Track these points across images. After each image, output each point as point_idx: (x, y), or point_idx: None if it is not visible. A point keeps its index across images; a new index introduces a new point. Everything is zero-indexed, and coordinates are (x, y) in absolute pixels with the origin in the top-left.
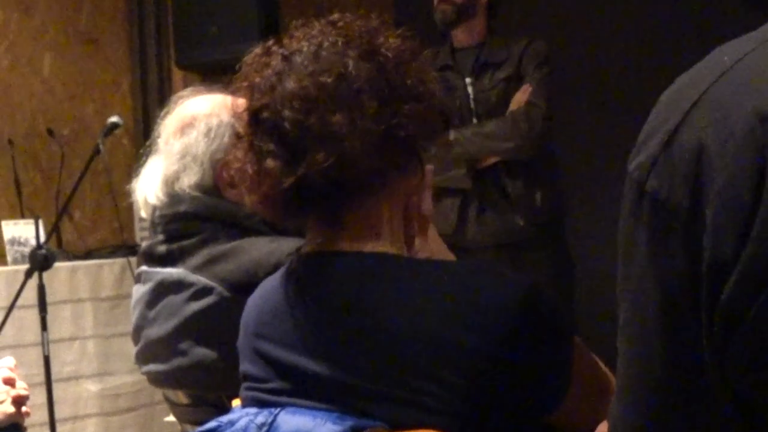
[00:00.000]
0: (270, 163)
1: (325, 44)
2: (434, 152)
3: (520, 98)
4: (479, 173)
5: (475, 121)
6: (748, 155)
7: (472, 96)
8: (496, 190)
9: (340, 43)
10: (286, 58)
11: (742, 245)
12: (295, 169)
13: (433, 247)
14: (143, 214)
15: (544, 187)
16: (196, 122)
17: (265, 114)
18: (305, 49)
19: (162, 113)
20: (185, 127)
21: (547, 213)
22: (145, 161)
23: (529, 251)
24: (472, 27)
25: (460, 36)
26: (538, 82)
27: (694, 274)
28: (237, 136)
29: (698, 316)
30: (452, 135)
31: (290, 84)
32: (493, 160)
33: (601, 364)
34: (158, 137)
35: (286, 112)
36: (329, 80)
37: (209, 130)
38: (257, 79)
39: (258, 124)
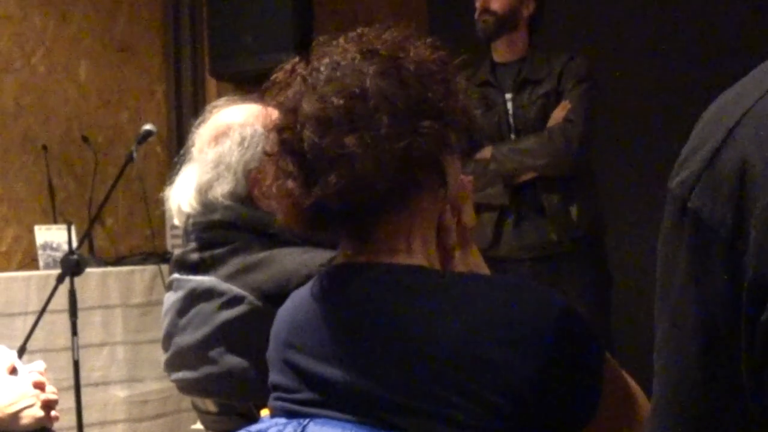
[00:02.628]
0: (290, 184)
1: (343, 63)
2: (470, 169)
3: (558, 115)
4: (516, 188)
5: (513, 137)
6: None
7: (511, 112)
8: (532, 205)
9: (358, 60)
10: (305, 79)
11: None
12: (311, 191)
13: (470, 260)
14: (177, 222)
15: (581, 202)
16: (231, 131)
17: (286, 135)
18: (323, 68)
19: (197, 122)
20: (219, 136)
21: (583, 227)
22: (179, 170)
23: (566, 265)
24: (513, 40)
25: (501, 49)
26: (576, 98)
27: (735, 293)
28: (265, 153)
29: (737, 337)
30: (489, 151)
31: (308, 106)
32: (529, 175)
33: (631, 381)
34: (192, 146)
35: (305, 133)
36: (342, 101)
37: (243, 139)
38: (281, 99)
39: (281, 144)
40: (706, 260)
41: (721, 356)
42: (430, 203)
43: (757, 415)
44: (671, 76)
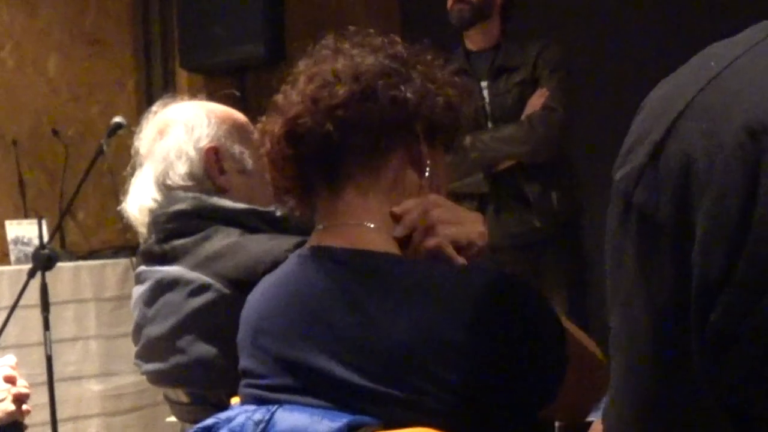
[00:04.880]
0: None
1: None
2: (450, 158)
3: (535, 102)
4: (496, 176)
5: (490, 125)
6: (738, 171)
7: (487, 100)
8: (512, 193)
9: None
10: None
11: (733, 263)
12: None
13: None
14: (141, 228)
15: (561, 189)
16: (173, 123)
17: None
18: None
19: (137, 132)
20: (163, 131)
21: (563, 214)
22: (130, 180)
23: (546, 252)
24: (488, 29)
25: (475, 38)
26: (554, 86)
27: (683, 288)
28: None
29: (687, 331)
30: (468, 139)
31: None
32: (509, 163)
33: (587, 340)
34: (138, 151)
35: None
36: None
37: (187, 124)
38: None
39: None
40: (653, 257)
41: (672, 349)
42: (402, 183)
43: (711, 404)
44: (645, 63)
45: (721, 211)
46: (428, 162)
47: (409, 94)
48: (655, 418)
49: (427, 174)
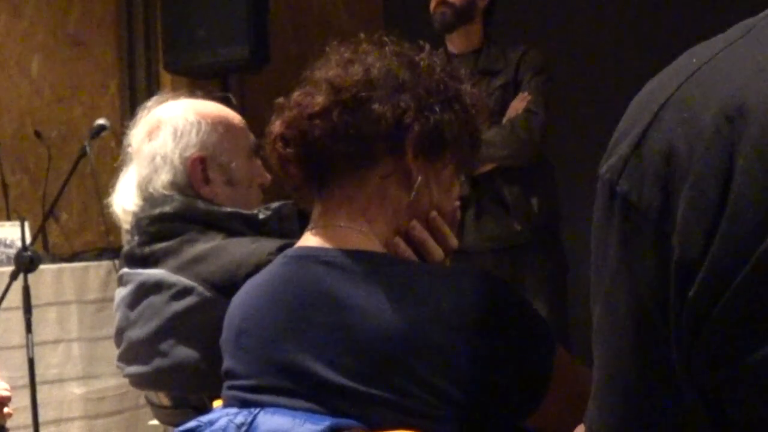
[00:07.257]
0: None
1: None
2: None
3: (517, 106)
4: (476, 179)
5: None
6: (716, 154)
7: None
8: (492, 196)
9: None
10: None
11: (709, 244)
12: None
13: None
14: (125, 225)
15: (540, 193)
16: (163, 125)
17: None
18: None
19: (130, 124)
20: (152, 132)
21: (543, 218)
22: (119, 175)
23: (526, 255)
24: (470, 32)
25: (457, 41)
26: (535, 90)
27: (664, 274)
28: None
29: (667, 319)
30: None
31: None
32: (490, 166)
33: (586, 371)
34: (128, 147)
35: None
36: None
37: (176, 130)
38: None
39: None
40: (636, 244)
41: (653, 338)
42: (387, 196)
43: (689, 394)
44: (626, 69)
45: (700, 193)
46: (419, 178)
47: (391, 109)
48: (633, 409)
49: (414, 191)
